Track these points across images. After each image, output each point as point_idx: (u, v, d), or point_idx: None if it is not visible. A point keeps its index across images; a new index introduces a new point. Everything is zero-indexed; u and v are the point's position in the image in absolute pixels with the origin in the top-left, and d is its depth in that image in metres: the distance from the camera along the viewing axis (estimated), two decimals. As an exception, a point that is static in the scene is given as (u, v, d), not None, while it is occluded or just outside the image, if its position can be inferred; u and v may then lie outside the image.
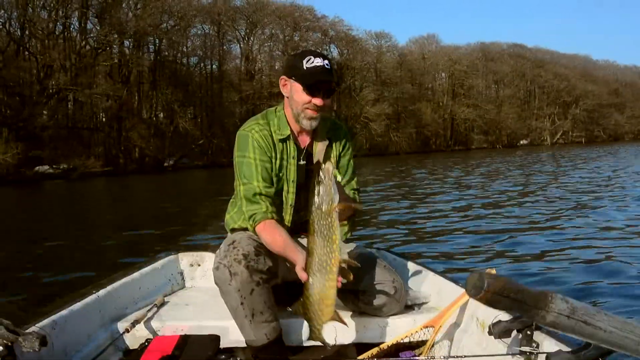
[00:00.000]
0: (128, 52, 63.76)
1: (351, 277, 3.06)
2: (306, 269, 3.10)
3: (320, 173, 3.04)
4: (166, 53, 68.32)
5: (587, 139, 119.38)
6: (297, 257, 3.24)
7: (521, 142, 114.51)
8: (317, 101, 3.51)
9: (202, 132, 66.54)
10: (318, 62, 3.48)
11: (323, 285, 3.08)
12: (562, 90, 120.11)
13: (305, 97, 3.52)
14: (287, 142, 3.66)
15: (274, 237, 3.42)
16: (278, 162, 3.63)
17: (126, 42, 63.70)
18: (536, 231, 11.97)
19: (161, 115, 67.23)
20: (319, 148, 3.73)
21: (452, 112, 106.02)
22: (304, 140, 3.72)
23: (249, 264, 3.32)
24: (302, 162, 3.70)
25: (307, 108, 3.54)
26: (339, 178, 3.24)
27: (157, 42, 66.76)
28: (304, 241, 3.61)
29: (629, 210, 14.91)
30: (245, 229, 3.65)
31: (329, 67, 3.50)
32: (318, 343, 3.42)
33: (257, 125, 3.66)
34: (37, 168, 47.77)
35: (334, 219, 3.02)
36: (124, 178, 47.23)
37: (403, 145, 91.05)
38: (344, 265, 3.02)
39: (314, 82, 3.48)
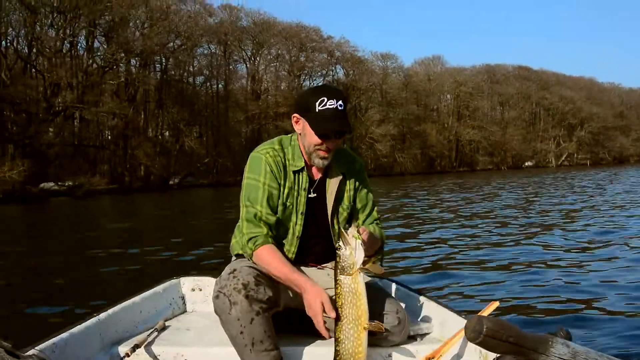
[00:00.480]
0: (135, 71, 64.02)
1: (382, 328, 3.25)
2: (336, 333, 3.19)
3: (340, 240, 3.16)
4: (172, 72, 68.60)
5: (592, 161, 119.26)
6: (302, 282, 3.33)
7: (526, 163, 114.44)
8: (330, 145, 3.52)
9: (207, 151, 66.70)
10: (331, 104, 3.44)
11: (353, 348, 3.15)
12: (568, 113, 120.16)
13: (316, 140, 3.51)
14: (301, 173, 3.63)
15: (276, 261, 3.43)
16: (287, 191, 3.60)
17: (133, 61, 64.02)
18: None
19: (167, 133, 67.40)
20: (332, 182, 3.70)
21: (457, 133, 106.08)
22: (317, 172, 3.70)
23: (248, 293, 3.29)
24: (312, 195, 3.67)
25: (318, 149, 3.53)
26: (362, 235, 3.24)
27: (163, 61, 67.12)
28: (308, 270, 3.70)
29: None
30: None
31: (342, 108, 3.46)
32: None
33: (272, 150, 3.63)
34: (42, 185, 47.91)
35: (358, 282, 3.15)
36: (129, 196, 47.38)
37: (408, 166, 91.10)
38: (371, 328, 3.18)
39: (324, 133, 3.48)
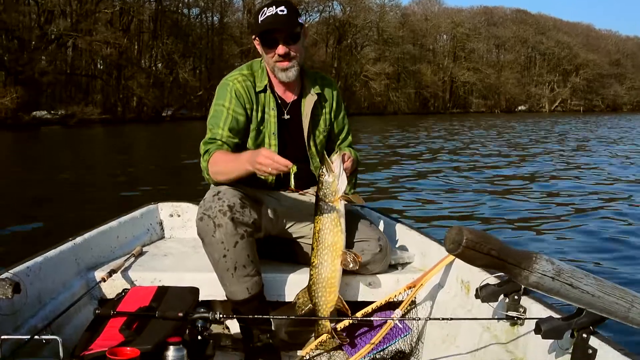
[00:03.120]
0: (130, 0, 63.19)
1: (355, 267, 3.24)
2: (311, 257, 3.21)
3: (324, 167, 3.18)
4: (168, 2, 67.63)
5: (585, 107, 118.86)
6: (249, 153, 3.21)
7: (519, 107, 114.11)
8: (279, 50, 3.42)
9: (201, 84, 66.23)
10: (270, 11, 3.38)
11: (327, 274, 3.19)
12: (563, 58, 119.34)
13: (268, 53, 3.48)
14: (265, 94, 3.57)
15: (225, 156, 3.37)
16: (259, 114, 3.55)
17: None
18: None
19: (160, 65, 66.86)
20: (307, 103, 3.64)
21: (452, 74, 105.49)
22: (290, 94, 3.64)
23: (234, 215, 3.18)
24: (286, 117, 3.62)
25: (275, 61, 3.47)
26: (346, 162, 3.29)
27: (159, -10, 66.20)
28: (291, 195, 3.67)
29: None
30: None
31: (283, 12, 3.38)
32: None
33: (241, 75, 3.59)
34: (34, 113, 47.63)
35: (339, 210, 3.18)
36: (122, 126, 47.15)
37: (402, 105, 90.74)
38: (347, 255, 3.21)
39: (264, 34, 3.43)
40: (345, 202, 3.25)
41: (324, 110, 3.73)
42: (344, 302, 3.28)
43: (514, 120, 63.36)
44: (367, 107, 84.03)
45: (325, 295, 3.21)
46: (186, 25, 69.51)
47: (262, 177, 3.56)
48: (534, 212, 10.35)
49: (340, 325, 3.29)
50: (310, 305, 3.27)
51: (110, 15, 61.06)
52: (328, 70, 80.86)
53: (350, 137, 3.92)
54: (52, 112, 49.55)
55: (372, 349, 3.25)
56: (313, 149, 3.68)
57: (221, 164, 3.36)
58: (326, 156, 3.20)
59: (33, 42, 54.00)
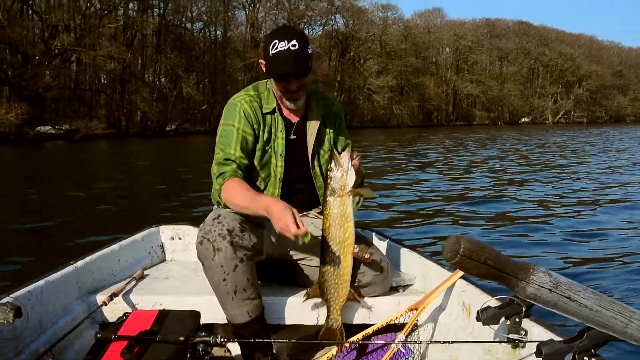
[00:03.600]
0: (133, 15, 63.39)
1: (368, 259, 3.29)
2: (322, 254, 3.22)
3: (333, 162, 3.19)
4: (171, 17, 67.90)
5: (588, 119, 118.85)
6: (268, 201, 3.20)
7: (523, 119, 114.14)
8: (292, 87, 3.48)
9: (204, 98, 66.31)
10: (282, 46, 3.36)
11: (338, 270, 3.19)
12: (566, 70, 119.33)
13: (278, 86, 3.51)
14: (273, 115, 3.61)
15: (243, 190, 3.34)
16: (266, 135, 3.58)
17: (131, 5, 63.32)
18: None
19: (164, 79, 66.97)
20: (312, 125, 3.68)
21: (455, 87, 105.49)
22: (295, 115, 3.68)
23: (233, 239, 3.20)
24: (292, 137, 3.64)
25: (284, 92, 3.52)
26: (354, 160, 3.28)
27: (162, 5, 66.41)
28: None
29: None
30: None
31: (296, 47, 3.36)
32: (300, 322, 3.55)
33: (247, 96, 3.62)
34: (38, 128, 47.65)
35: (347, 205, 3.18)
36: (126, 141, 47.13)
37: (405, 118, 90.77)
38: (356, 251, 3.23)
39: (277, 76, 3.44)
40: (356, 196, 3.29)
41: (327, 130, 3.77)
42: (355, 295, 3.33)
43: (535, 133, 62.99)
44: (371, 120, 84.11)
45: (337, 290, 3.23)
46: (189, 40, 69.69)
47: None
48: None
49: (341, 347, 3.32)
50: (322, 301, 3.30)
51: (114, 30, 61.20)
52: (331, 83, 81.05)
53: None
54: (56, 127, 49.58)
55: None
56: (317, 169, 3.70)
57: (236, 198, 3.35)
58: (335, 151, 3.25)
59: (37, 57, 54.15)
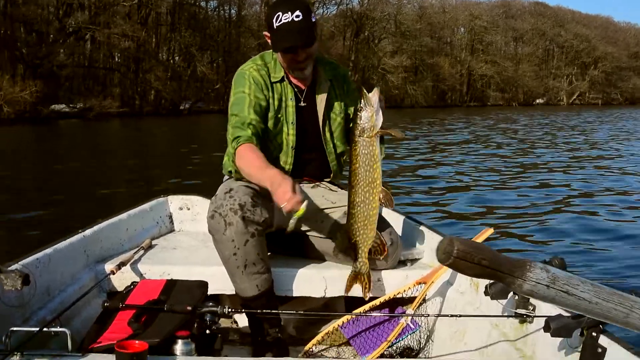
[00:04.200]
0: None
1: (391, 206, 3.25)
2: (351, 196, 3.15)
3: (362, 100, 3.10)
4: (186, -5, 67.85)
5: (603, 101, 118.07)
6: (275, 174, 3.15)
7: (537, 101, 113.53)
8: (298, 58, 3.45)
9: (218, 77, 66.30)
10: (286, 18, 3.34)
11: (367, 211, 3.14)
12: (582, 51, 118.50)
13: (284, 57, 3.50)
14: (283, 83, 3.60)
15: (255, 157, 3.31)
16: (277, 102, 3.57)
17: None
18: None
19: (177, 58, 67.01)
20: (321, 90, 3.68)
21: (470, 67, 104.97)
22: (304, 82, 3.66)
23: (245, 214, 3.20)
24: (302, 104, 3.65)
25: (290, 63, 3.50)
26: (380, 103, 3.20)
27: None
28: (305, 187, 3.66)
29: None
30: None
31: (299, 18, 3.35)
32: (307, 294, 3.55)
33: (255, 64, 3.61)
34: (53, 106, 47.84)
35: (376, 145, 3.12)
36: (140, 119, 47.30)
37: (419, 98, 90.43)
38: (381, 195, 3.15)
39: (284, 49, 3.43)
40: (382, 134, 3.20)
41: (337, 93, 3.75)
42: (382, 237, 3.29)
43: (556, 114, 62.49)
44: (385, 100, 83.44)
45: (366, 232, 3.19)
46: (204, 18, 69.60)
47: (279, 165, 3.57)
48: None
49: (347, 318, 3.32)
50: (350, 245, 3.26)
51: (129, 8, 61.17)
52: (345, 63, 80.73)
53: None
54: (70, 105, 49.75)
55: (380, 344, 3.25)
56: (328, 134, 3.71)
57: (247, 165, 3.34)
58: (364, 90, 3.14)
59: (51, 35, 54.26)
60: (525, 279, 1.85)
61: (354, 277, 3.29)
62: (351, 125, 3.23)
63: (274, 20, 3.36)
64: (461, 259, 1.82)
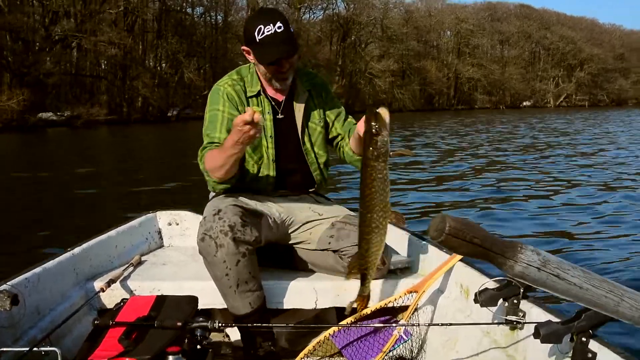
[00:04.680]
0: (134, 0, 63.23)
1: (403, 224, 3.22)
2: (362, 224, 2.96)
3: (374, 123, 2.86)
4: (171, 2, 67.72)
5: (590, 102, 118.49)
6: (229, 141, 3.16)
7: (524, 103, 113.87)
8: (282, 69, 3.49)
9: (206, 83, 66.17)
10: (269, 30, 3.36)
11: (381, 237, 2.98)
12: (568, 53, 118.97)
13: (268, 69, 3.51)
14: (259, 97, 3.62)
15: (214, 151, 3.36)
16: None
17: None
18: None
19: (165, 65, 66.93)
20: (299, 101, 3.69)
21: (457, 70, 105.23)
22: (281, 95, 3.67)
23: (235, 235, 3.21)
24: (280, 116, 3.66)
25: (274, 74, 3.52)
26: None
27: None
28: (288, 201, 3.69)
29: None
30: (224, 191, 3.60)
31: (282, 29, 3.37)
32: (298, 306, 3.54)
33: (231, 79, 3.64)
34: (40, 114, 47.70)
35: (387, 168, 2.93)
36: (128, 127, 47.22)
37: (407, 102, 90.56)
38: (392, 217, 2.97)
39: (269, 61, 3.45)
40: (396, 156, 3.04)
41: (316, 102, 3.76)
42: (383, 258, 3.27)
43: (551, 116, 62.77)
44: (373, 104, 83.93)
45: (377, 258, 3.01)
46: (190, 25, 69.58)
47: (262, 181, 3.62)
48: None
49: (338, 328, 3.31)
50: (360, 271, 3.08)
51: (115, 16, 61.07)
52: (333, 68, 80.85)
53: (350, 118, 3.86)
54: (57, 113, 49.63)
55: (372, 356, 3.26)
56: (308, 144, 3.71)
57: (213, 158, 3.35)
58: (379, 112, 2.84)
59: (38, 44, 54.13)
60: (516, 260, 1.86)
61: (361, 300, 3.20)
62: (363, 147, 2.94)
63: (256, 34, 3.39)
64: (453, 236, 1.85)
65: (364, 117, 2.92)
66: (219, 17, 74.52)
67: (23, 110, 44.28)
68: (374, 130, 2.83)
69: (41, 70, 51.34)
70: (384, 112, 2.86)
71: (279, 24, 3.37)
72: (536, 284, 1.92)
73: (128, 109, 58.45)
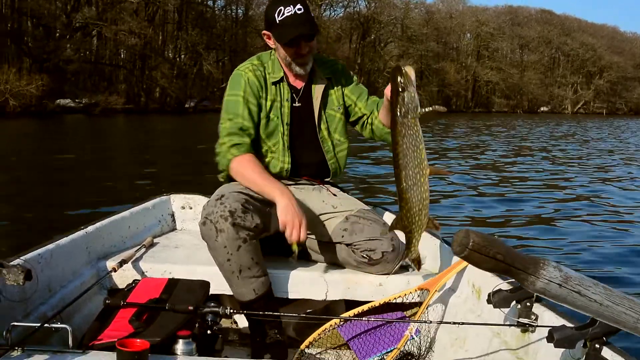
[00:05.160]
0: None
1: (449, 172, 3.15)
2: (400, 183, 2.93)
3: (401, 79, 2.88)
4: (193, -6, 68.07)
5: (608, 110, 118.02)
6: (272, 190, 3.30)
7: (542, 108, 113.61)
8: (302, 50, 3.51)
9: (224, 76, 66.32)
10: (289, 11, 3.40)
11: (420, 194, 2.96)
12: (587, 60, 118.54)
13: (288, 51, 3.51)
14: (281, 84, 3.62)
15: (254, 168, 3.41)
16: (270, 103, 3.59)
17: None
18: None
19: (184, 56, 67.15)
20: (317, 88, 3.70)
21: (476, 73, 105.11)
22: (300, 81, 3.69)
23: (235, 220, 3.20)
24: (298, 104, 3.67)
25: (295, 57, 3.53)
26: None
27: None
28: (301, 189, 3.71)
29: None
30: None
31: (301, 10, 3.42)
32: (307, 296, 3.54)
33: (252, 65, 3.63)
34: (58, 101, 47.98)
35: (419, 125, 2.94)
36: (145, 116, 47.29)
37: (424, 103, 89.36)
38: (434, 171, 2.96)
39: (289, 40, 3.46)
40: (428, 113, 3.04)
41: (335, 89, 3.77)
42: (435, 222, 3.09)
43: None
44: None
45: (421, 218, 2.98)
46: (211, 18, 69.82)
47: (277, 168, 3.63)
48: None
49: (347, 315, 3.28)
50: (404, 233, 3.06)
51: (136, 5, 61.33)
52: (351, 66, 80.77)
53: (374, 96, 3.87)
54: (76, 100, 49.90)
55: (380, 350, 3.23)
56: (324, 132, 3.72)
57: (250, 174, 3.41)
58: (404, 69, 2.90)
59: (58, 30, 54.40)
60: (538, 276, 1.85)
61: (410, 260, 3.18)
62: (390, 106, 2.98)
63: (276, 15, 3.43)
64: (476, 252, 1.84)
65: (390, 78, 2.94)
66: (239, 10, 74.86)
67: (42, 96, 44.47)
68: (400, 87, 2.86)
69: (61, 57, 51.69)
70: (409, 69, 2.90)
71: (299, 5, 3.41)
72: (557, 299, 1.91)
73: (146, 98, 58.72)
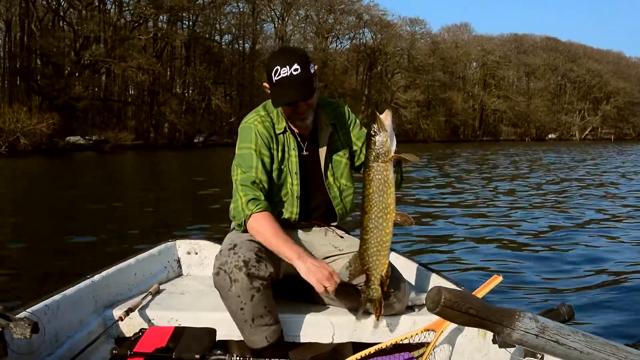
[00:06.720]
0: (164, 27, 64.03)
1: (412, 223, 3.11)
2: (364, 222, 3.03)
3: (373, 124, 2.96)
4: (201, 30, 68.52)
5: (616, 136, 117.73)
6: (293, 254, 3.24)
7: (550, 136, 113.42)
8: (299, 110, 3.45)
9: (232, 110, 66.54)
10: (284, 72, 3.31)
11: (380, 237, 3.03)
12: (594, 86, 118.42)
13: (285, 110, 3.49)
14: (286, 134, 3.57)
15: (269, 228, 3.33)
16: (280, 154, 3.54)
17: (161, 17, 64.02)
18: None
19: (192, 91, 67.47)
20: (323, 137, 3.64)
21: (483, 102, 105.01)
22: (306, 130, 3.62)
23: (249, 271, 3.17)
24: (305, 153, 3.62)
25: (292, 117, 3.50)
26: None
27: (192, 18, 67.09)
28: (310, 233, 3.73)
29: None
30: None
31: (298, 71, 3.32)
32: (315, 339, 3.53)
33: (259, 117, 3.58)
34: (68, 138, 48.23)
35: (390, 170, 3.00)
36: (155, 152, 47.38)
37: (432, 133, 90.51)
38: (398, 218, 3.03)
39: (281, 104, 3.42)
40: (396, 160, 3.07)
41: (340, 134, 3.75)
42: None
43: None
44: (397, 135, 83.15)
45: (379, 259, 3.08)
46: (218, 52, 70.24)
47: (286, 216, 3.62)
48: None
49: (354, 358, 3.23)
50: (362, 271, 3.15)
51: (145, 42, 61.82)
52: (359, 97, 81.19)
53: None
54: (85, 137, 50.14)
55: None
56: (330, 179, 3.70)
57: (267, 235, 3.36)
58: (377, 113, 2.99)
59: (68, 68, 54.86)
60: (513, 328, 1.88)
61: (366, 303, 3.24)
62: (365, 149, 3.10)
63: (273, 75, 3.36)
64: (449, 308, 1.88)
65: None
66: (246, 45, 75.36)
67: (52, 134, 44.71)
68: (372, 132, 2.96)
69: (70, 94, 52.03)
70: (385, 115, 2.99)
71: (295, 65, 3.32)
72: (536, 349, 1.95)
73: (155, 134, 59.04)
